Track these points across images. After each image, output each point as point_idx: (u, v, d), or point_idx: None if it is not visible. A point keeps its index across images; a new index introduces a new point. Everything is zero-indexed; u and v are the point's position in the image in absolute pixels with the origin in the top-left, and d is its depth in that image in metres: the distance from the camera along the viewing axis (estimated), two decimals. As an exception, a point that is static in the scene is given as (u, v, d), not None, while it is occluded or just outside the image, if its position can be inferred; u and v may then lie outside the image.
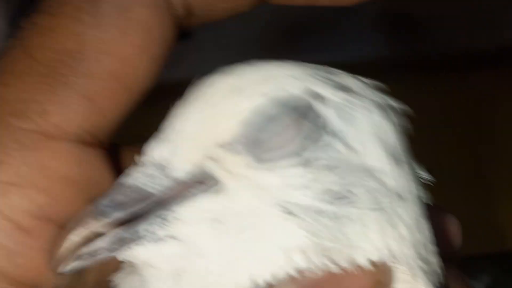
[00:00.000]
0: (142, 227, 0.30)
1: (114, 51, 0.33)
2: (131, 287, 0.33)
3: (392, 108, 0.33)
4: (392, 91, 0.34)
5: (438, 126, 1.08)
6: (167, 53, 0.35)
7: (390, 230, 0.31)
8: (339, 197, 0.30)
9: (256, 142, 0.31)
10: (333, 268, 0.30)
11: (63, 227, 0.31)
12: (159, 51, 0.35)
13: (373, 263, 0.31)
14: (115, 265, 0.33)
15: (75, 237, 0.30)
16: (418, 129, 0.34)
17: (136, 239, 0.30)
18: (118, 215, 0.30)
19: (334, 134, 0.31)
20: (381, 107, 0.33)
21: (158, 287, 0.31)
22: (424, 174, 0.34)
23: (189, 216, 0.30)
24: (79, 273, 0.34)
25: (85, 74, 0.33)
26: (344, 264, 0.30)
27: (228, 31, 1.17)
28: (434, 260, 0.33)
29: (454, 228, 0.42)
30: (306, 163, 0.30)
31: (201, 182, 0.31)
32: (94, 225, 0.30)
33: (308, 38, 1.21)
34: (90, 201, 0.32)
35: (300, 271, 0.30)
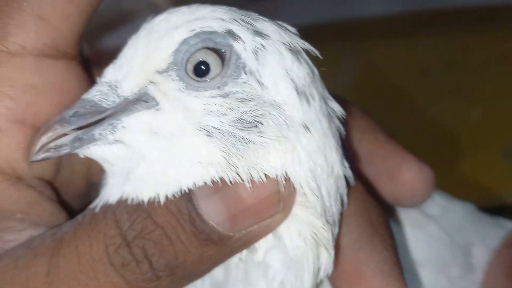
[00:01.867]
0: (97, 132, 0.38)
1: None
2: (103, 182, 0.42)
3: (306, 51, 0.40)
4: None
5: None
6: None
7: (290, 155, 0.38)
8: (250, 126, 0.38)
9: (184, 70, 0.38)
10: (238, 179, 0.38)
11: (36, 128, 0.39)
12: None
13: (271, 179, 0.38)
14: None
15: (45, 139, 0.38)
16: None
17: (92, 140, 0.38)
18: (80, 123, 0.38)
19: (251, 73, 0.38)
20: (295, 51, 0.39)
21: (113, 181, 0.40)
22: (340, 110, 0.41)
23: (133, 126, 0.38)
24: (69, 166, 0.43)
25: None
26: (246, 177, 0.38)
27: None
28: (334, 186, 0.40)
29: (418, 176, 0.47)
30: (225, 95, 0.38)
31: (145, 101, 0.39)
32: (61, 131, 0.38)
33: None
34: (59, 104, 0.40)
35: (213, 181, 0.38)
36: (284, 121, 0.38)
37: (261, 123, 0.38)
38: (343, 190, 0.41)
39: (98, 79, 0.40)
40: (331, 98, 0.41)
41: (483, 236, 0.55)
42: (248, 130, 0.38)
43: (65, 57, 0.41)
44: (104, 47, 1.14)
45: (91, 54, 0.48)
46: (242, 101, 0.38)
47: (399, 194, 0.48)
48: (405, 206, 0.51)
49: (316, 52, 0.40)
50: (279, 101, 0.38)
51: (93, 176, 0.45)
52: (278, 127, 0.38)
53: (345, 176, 0.41)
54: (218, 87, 0.38)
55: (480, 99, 1.05)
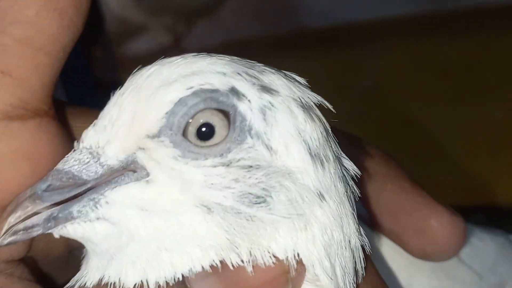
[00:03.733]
0: (76, 209, 0.32)
1: (20, 17, 0.33)
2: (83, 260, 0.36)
3: (318, 106, 0.34)
4: None
5: None
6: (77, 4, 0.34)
7: (302, 233, 0.33)
8: (258, 202, 0.32)
9: (181, 135, 0.32)
10: (242, 263, 0.32)
11: (3, 207, 0.33)
12: (66, 3, 0.34)
13: (279, 260, 0.33)
14: None
15: (13, 220, 0.32)
16: None
17: (70, 219, 0.32)
18: (55, 198, 0.32)
19: (258, 137, 0.32)
20: (306, 107, 0.34)
21: (95, 262, 0.34)
22: (354, 169, 0.35)
23: (119, 201, 0.32)
24: (47, 241, 0.37)
25: None
26: (248, 258, 0.32)
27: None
28: (351, 261, 0.35)
29: (450, 231, 0.43)
30: (229, 164, 0.32)
31: (133, 170, 0.33)
32: (32, 209, 0.32)
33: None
34: (31, 174, 0.34)
35: (213, 266, 0.32)
36: (298, 194, 0.33)
37: (271, 197, 0.32)
38: (360, 262, 0.36)
39: (76, 144, 0.34)
40: (344, 155, 0.35)
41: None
42: (256, 206, 0.32)
43: (36, 115, 0.35)
44: (128, 52, 1.11)
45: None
46: (248, 171, 0.32)
47: (428, 250, 0.44)
48: (432, 260, 0.46)
49: (329, 105, 0.34)
50: (290, 167, 0.33)
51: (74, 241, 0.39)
52: (291, 203, 0.32)
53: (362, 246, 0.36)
54: (221, 155, 0.32)
55: (502, 100, 1.03)
